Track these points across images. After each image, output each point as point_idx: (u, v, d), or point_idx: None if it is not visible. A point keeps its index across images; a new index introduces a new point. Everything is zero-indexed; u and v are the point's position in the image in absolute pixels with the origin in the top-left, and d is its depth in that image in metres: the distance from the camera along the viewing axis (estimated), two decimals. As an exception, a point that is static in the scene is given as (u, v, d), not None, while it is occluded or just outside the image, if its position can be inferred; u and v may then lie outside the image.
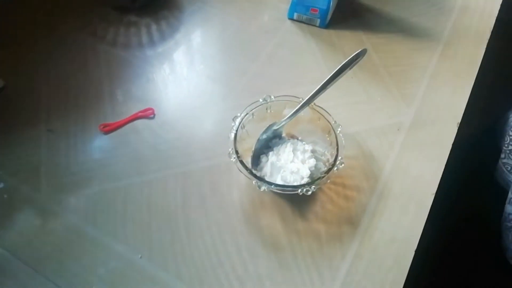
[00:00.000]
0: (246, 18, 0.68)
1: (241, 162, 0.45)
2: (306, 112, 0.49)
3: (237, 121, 0.48)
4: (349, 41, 0.65)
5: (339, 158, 0.45)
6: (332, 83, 0.45)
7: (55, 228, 0.47)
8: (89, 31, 0.66)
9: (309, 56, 0.63)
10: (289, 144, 0.49)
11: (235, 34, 0.66)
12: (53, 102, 0.57)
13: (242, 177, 0.50)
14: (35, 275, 0.44)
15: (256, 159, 0.50)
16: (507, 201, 0.80)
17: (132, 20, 0.67)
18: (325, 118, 0.48)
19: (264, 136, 0.49)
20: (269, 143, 0.51)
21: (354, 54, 0.44)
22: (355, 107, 0.57)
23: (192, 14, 0.69)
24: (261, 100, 0.49)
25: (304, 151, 0.49)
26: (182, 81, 0.61)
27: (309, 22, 0.67)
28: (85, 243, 0.46)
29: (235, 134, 0.47)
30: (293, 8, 0.66)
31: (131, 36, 0.66)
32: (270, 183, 0.44)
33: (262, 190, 0.43)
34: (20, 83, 0.59)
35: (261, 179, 0.44)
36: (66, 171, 0.51)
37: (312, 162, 0.48)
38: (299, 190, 0.43)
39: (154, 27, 0.67)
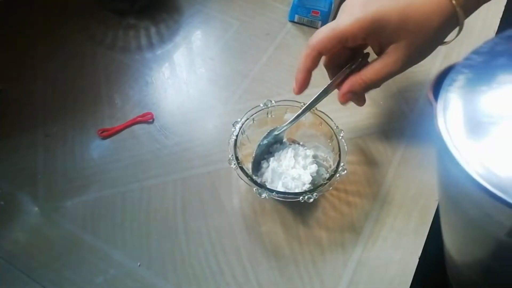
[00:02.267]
0: (246, 20, 0.67)
1: (241, 168, 0.44)
2: (308, 117, 0.48)
3: (237, 126, 0.47)
4: (351, 44, 0.64)
5: (342, 164, 0.44)
6: (334, 87, 0.44)
7: (52, 236, 0.46)
8: (88, 34, 0.65)
9: (310, 59, 0.62)
10: (290, 149, 0.49)
11: (235, 36, 0.65)
12: (50, 107, 0.56)
13: (242, 183, 0.49)
14: (32, 284, 0.43)
15: (257, 165, 0.49)
16: None
17: (130, 23, 0.67)
18: (327, 123, 0.47)
19: (265, 141, 0.49)
20: (270, 148, 0.50)
21: (357, 58, 0.43)
22: (357, 112, 0.56)
23: (191, 17, 0.68)
24: (261, 105, 0.49)
25: (306, 157, 0.49)
26: (182, 85, 0.60)
27: (310, 25, 0.66)
28: (82, 251, 0.45)
29: (235, 140, 0.46)
30: (294, 10, 0.66)
31: (130, 39, 0.65)
32: (271, 190, 0.43)
33: (263, 197, 0.43)
34: (17, 87, 0.58)
35: (261, 186, 0.43)
36: (63, 177, 0.50)
37: (314, 167, 0.48)
38: (301, 197, 0.42)
39: (153, 30, 0.66)
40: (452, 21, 0.38)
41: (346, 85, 0.42)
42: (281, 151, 0.49)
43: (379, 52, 0.41)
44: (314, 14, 0.64)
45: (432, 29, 0.38)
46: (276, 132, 0.48)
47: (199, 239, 0.46)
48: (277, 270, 0.44)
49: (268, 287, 0.43)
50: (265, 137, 0.48)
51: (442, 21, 0.37)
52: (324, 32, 0.39)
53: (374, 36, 0.38)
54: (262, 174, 0.48)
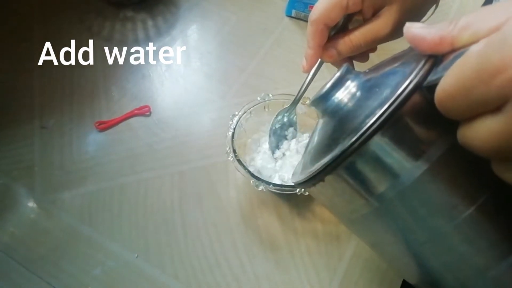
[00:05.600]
0: (243, 14, 0.67)
1: (239, 161, 0.44)
2: (302, 108, 0.48)
3: (235, 119, 0.47)
4: (347, 39, 0.65)
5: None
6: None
7: (50, 228, 0.46)
8: (85, 26, 0.64)
9: (307, 54, 0.62)
10: (293, 141, 0.49)
11: (233, 31, 0.65)
12: (47, 99, 0.56)
13: (239, 176, 0.49)
14: (29, 275, 0.43)
15: (275, 146, 0.49)
16: None
17: (128, 16, 0.66)
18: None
19: (278, 125, 0.48)
20: (285, 131, 0.49)
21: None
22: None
23: (188, 10, 0.68)
24: (259, 98, 0.49)
25: (303, 147, 0.49)
26: (179, 78, 0.60)
27: (307, 20, 0.66)
28: (80, 243, 0.45)
29: (233, 133, 0.46)
30: (291, 5, 0.66)
31: (127, 31, 0.64)
32: (268, 183, 0.43)
33: (260, 189, 0.43)
34: (14, 79, 0.58)
35: (259, 178, 0.44)
36: (60, 169, 0.50)
37: (311, 160, 0.48)
38: (297, 190, 0.43)
39: (150, 22, 0.66)
40: None
41: (332, 42, 0.41)
42: (284, 141, 0.49)
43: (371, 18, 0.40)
44: (311, 9, 0.64)
45: None
46: (286, 114, 0.47)
47: (196, 231, 0.47)
48: (273, 261, 0.45)
49: (265, 278, 0.44)
50: (276, 121, 0.47)
51: None
52: (324, 3, 0.39)
53: None
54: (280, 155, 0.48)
